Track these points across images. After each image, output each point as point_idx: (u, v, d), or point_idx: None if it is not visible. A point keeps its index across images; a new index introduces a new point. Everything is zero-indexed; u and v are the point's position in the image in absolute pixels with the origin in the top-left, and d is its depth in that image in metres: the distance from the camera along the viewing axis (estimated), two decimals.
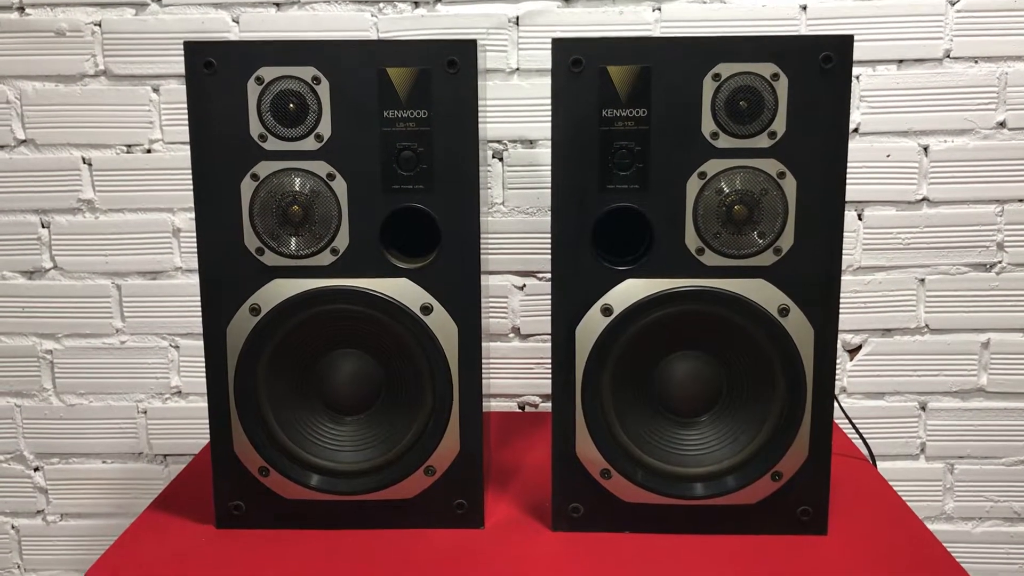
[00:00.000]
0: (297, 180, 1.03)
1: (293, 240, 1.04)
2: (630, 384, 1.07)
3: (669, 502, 1.07)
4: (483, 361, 1.08)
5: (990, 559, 1.62)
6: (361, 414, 1.10)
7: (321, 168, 1.03)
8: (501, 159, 1.55)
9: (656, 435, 1.08)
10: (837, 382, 1.58)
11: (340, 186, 1.03)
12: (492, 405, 1.62)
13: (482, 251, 1.06)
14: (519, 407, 1.63)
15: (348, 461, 1.09)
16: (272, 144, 1.02)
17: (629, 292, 1.04)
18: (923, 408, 1.59)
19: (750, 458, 1.06)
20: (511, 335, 1.60)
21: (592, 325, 1.04)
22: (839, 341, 1.57)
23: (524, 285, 1.59)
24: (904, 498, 1.18)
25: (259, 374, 1.06)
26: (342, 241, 1.04)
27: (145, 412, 1.65)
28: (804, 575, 1.00)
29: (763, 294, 1.03)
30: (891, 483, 1.23)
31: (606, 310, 1.04)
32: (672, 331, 1.05)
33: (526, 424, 1.49)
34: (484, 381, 1.08)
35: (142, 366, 1.63)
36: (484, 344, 1.08)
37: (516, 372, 1.61)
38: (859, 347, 1.58)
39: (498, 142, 1.55)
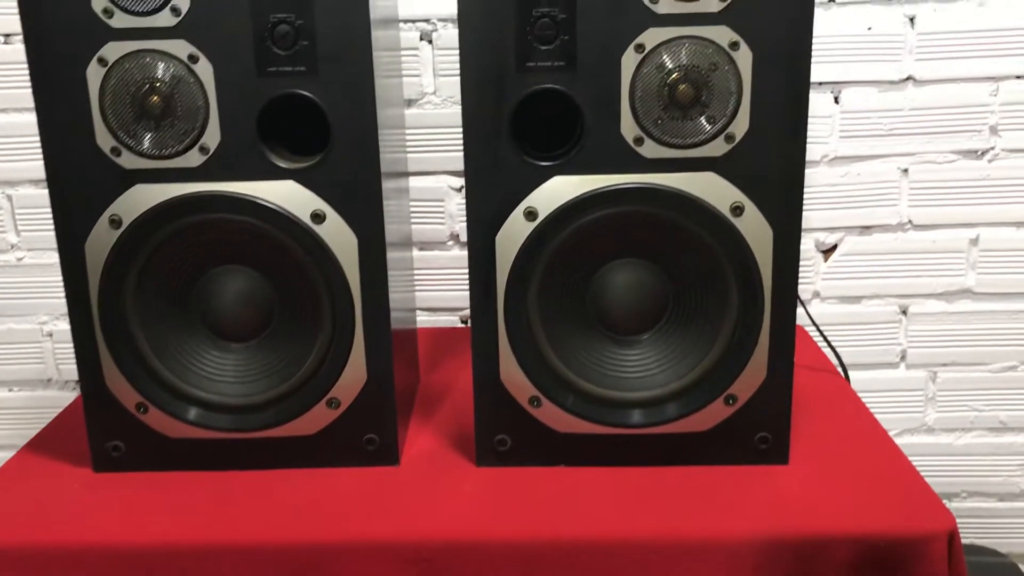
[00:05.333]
0: (154, 64, 0.86)
1: (154, 137, 0.87)
2: (561, 299, 0.93)
3: (607, 431, 0.94)
4: (416, 273, 0.92)
5: (973, 472, 1.51)
6: (252, 340, 0.95)
7: (181, 49, 0.85)
8: (430, 41, 1.36)
9: (591, 356, 0.94)
10: (809, 286, 1.44)
11: (205, 70, 0.86)
12: (430, 320, 1.48)
13: (406, 149, 0.90)
14: (461, 321, 1.48)
15: (238, 394, 0.95)
16: (120, 20, 0.85)
17: (556, 192, 0.88)
18: (904, 312, 1.45)
19: (699, 380, 0.92)
20: (449, 242, 1.44)
21: (514, 231, 0.89)
22: (812, 241, 1.42)
23: (462, 187, 1.42)
24: (883, 410, 1.06)
25: (127, 296, 0.91)
26: (212, 137, 0.87)
27: (51, 335, 1.50)
28: (761, 511, 0.87)
29: (713, 190, 0.87)
30: (868, 394, 1.10)
31: (530, 214, 0.88)
32: (608, 236, 0.90)
33: (464, 341, 1.34)
34: (419, 294, 0.93)
35: (44, 284, 1.47)
36: (417, 254, 0.93)
37: (456, 283, 1.45)
38: (834, 247, 1.43)
39: (425, 21, 1.35)
